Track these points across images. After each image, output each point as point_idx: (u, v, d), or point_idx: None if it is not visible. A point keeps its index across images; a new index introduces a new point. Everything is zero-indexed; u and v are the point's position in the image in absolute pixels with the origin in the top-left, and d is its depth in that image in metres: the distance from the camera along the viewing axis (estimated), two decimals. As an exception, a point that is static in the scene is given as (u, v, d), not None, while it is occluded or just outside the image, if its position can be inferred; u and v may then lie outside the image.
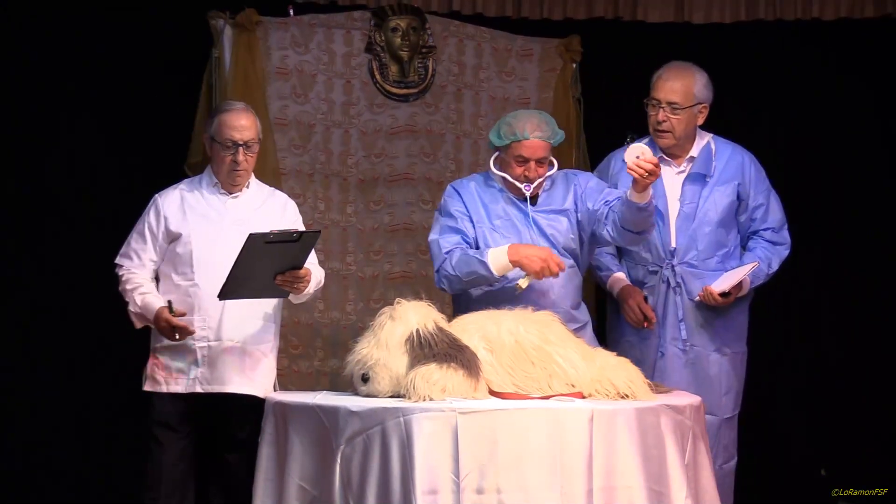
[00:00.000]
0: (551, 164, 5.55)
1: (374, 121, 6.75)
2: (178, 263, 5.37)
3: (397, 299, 4.98)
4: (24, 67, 6.40)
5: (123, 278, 5.43)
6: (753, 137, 6.03)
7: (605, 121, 6.91)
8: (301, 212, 6.58)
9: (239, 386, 5.38)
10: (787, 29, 6.98)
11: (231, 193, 5.48)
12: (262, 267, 5.23)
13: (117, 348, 6.32)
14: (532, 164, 5.47)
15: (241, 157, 5.41)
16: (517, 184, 5.49)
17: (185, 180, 5.56)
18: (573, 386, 4.88)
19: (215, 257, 5.33)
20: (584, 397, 4.85)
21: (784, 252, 5.84)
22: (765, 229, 5.83)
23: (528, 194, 5.49)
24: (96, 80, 6.46)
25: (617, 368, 4.99)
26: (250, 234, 5.13)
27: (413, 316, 4.87)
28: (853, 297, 7.01)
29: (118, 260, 5.46)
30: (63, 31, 6.43)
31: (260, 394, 5.37)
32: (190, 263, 5.36)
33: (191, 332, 5.29)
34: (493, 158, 5.58)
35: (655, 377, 5.62)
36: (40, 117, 6.41)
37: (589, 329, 5.56)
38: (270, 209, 5.56)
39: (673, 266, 5.76)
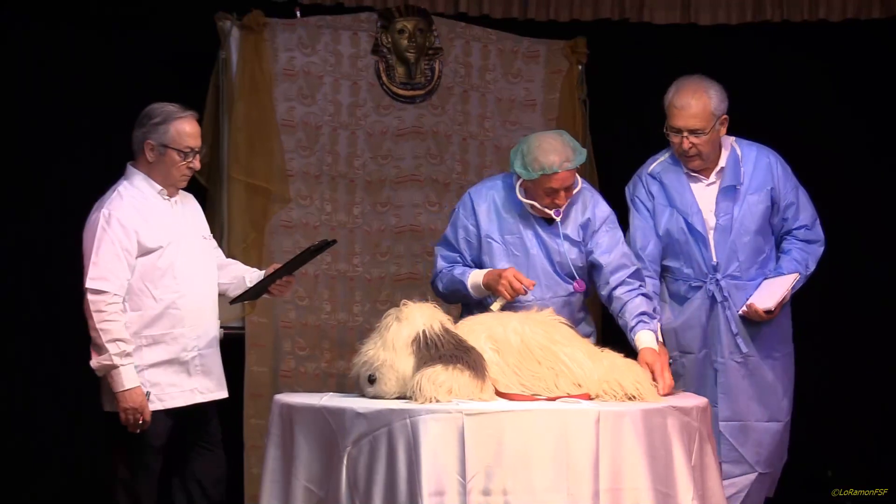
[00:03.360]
0: (577, 184, 5.44)
1: (380, 122, 6.76)
2: (158, 277, 5.18)
3: (403, 301, 4.99)
4: (30, 70, 6.40)
5: (108, 313, 5.08)
6: (759, 139, 6.02)
7: (611, 122, 6.92)
8: (308, 213, 6.63)
9: (224, 390, 5.38)
10: (793, 30, 6.98)
11: (172, 198, 5.31)
12: (278, 275, 5.29)
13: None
14: (562, 193, 5.36)
15: (197, 164, 5.28)
16: (547, 211, 5.39)
17: (120, 189, 5.26)
18: (580, 385, 4.88)
19: (190, 265, 5.25)
20: (590, 398, 4.85)
21: (819, 249, 5.77)
22: (798, 228, 5.74)
23: (558, 219, 5.41)
24: (103, 81, 6.47)
25: (625, 369, 4.99)
26: (312, 245, 5.21)
27: (419, 317, 4.86)
28: (854, 297, 7.00)
29: (95, 285, 5.09)
30: (70, 34, 6.44)
31: None
32: (174, 275, 5.20)
33: (143, 429, 5.15)
34: (518, 184, 5.41)
35: (720, 393, 5.62)
36: (46, 120, 6.42)
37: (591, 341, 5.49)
38: (195, 210, 5.46)
39: (718, 280, 5.69)
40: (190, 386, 5.24)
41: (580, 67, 6.91)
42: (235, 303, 5.31)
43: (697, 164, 5.70)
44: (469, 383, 4.73)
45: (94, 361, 5.11)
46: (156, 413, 5.18)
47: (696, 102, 5.61)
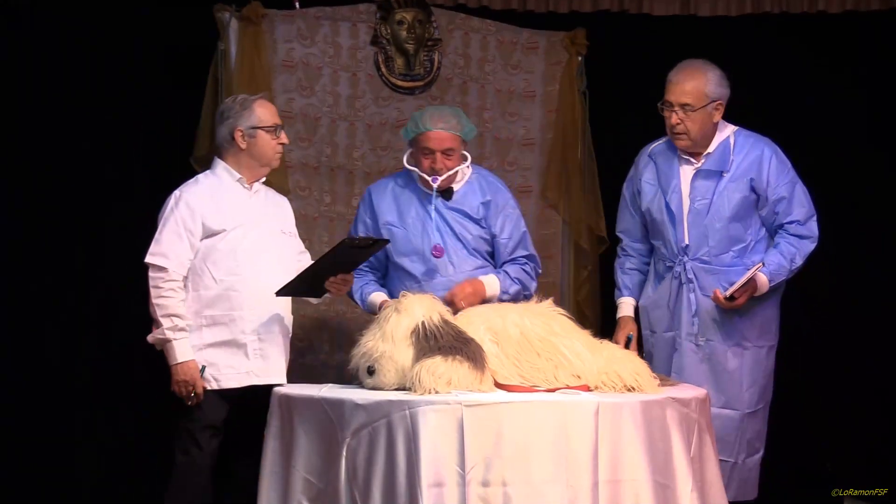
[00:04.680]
0: (465, 160, 5.63)
1: (379, 114, 6.75)
2: (220, 259, 5.34)
3: (403, 292, 4.99)
4: (29, 61, 6.39)
5: (164, 290, 5.27)
6: (757, 130, 6.01)
7: (610, 114, 6.92)
8: (307, 205, 6.61)
9: (283, 376, 5.45)
10: (792, 22, 6.98)
11: (252, 187, 5.48)
12: (327, 269, 5.33)
13: (129, 346, 6.35)
14: (438, 155, 5.58)
15: (284, 139, 5.50)
16: (425, 176, 5.58)
17: (199, 176, 5.50)
18: (579, 377, 4.89)
19: (255, 251, 5.37)
20: (590, 390, 4.85)
21: (810, 245, 5.76)
22: (789, 222, 5.75)
23: (434, 186, 5.59)
24: (102, 73, 6.46)
25: (624, 361, 5.00)
26: (346, 238, 5.32)
27: (418, 308, 4.87)
28: (856, 293, 6.99)
29: (154, 260, 5.29)
30: (68, 25, 6.43)
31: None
32: (235, 259, 5.34)
33: (198, 401, 5.30)
34: (406, 154, 5.68)
35: (673, 373, 5.62)
36: (45, 112, 6.40)
37: None
38: (279, 204, 5.64)
39: (685, 263, 5.75)
40: (246, 368, 5.35)
41: (580, 59, 6.90)
42: (280, 295, 5.38)
43: (685, 143, 5.75)
44: (468, 374, 4.73)
45: (151, 336, 5.30)
46: (210, 393, 5.31)
47: (690, 80, 5.72)
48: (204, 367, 5.29)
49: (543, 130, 6.90)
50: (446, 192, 5.69)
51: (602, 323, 6.37)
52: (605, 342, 5.13)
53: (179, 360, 5.27)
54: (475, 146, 6.83)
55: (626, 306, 5.95)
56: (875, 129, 7.04)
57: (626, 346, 5.71)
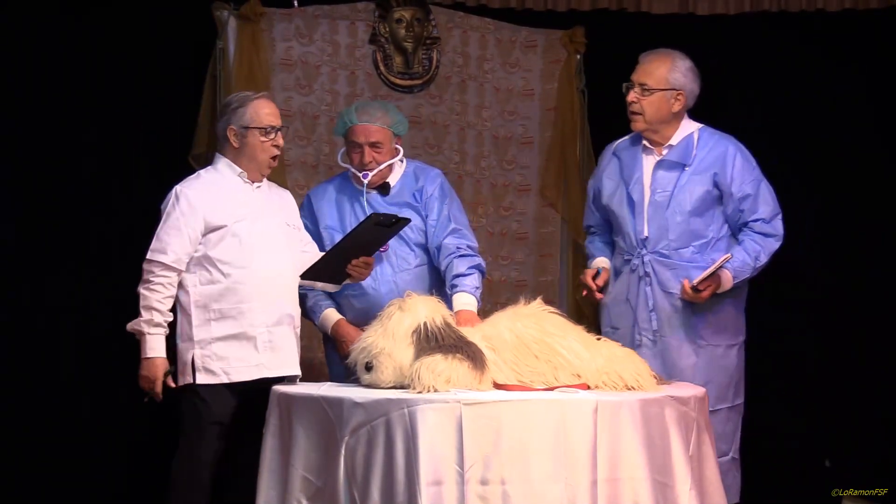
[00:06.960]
0: (397, 154, 5.63)
1: (378, 112, 6.75)
2: (227, 253, 5.30)
3: (407, 291, 5.00)
4: (27, 60, 6.39)
5: (153, 283, 5.24)
6: (755, 128, 6.02)
7: (608, 112, 6.90)
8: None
9: (296, 367, 5.43)
10: (791, 20, 6.98)
11: (254, 183, 5.44)
12: (350, 250, 5.33)
13: (134, 342, 6.35)
14: (366, 148, 5.55)
15: (280, 141, 5.43)
16: (356, 172, 5.59)
17: (201, 171, 5.46)
18: (579, 376, 4.88)
19: (261, 244, 5.34)
20: (588, 388, 4.85)
21: (775, 244, 5.68)
22: (755, 220, 5.67)
23: (365, 182, 5.58)
24: (100, 71, 6.46)
25: (624, 360, 4.99)
26: (372, 214, 5.26)
27: (422, 309, 4.87)
28: (859, 292, 7.00)
29: (152, 256, 5.26)
30: (66, 23, 6.43)
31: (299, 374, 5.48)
32: (242, 252, 5.30)
33: (157, 400, 5.29)
34: (340, 152, 5.71)
35: None
36: (44, 109, 6.40)
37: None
38: (283, 199, 5.59)
39: (643, 255, 5.70)
40: (256, 361, 5.31)
41: (578, 57, 6.91)
42: (305, 279, 5.42)
43: (640, 125, 5.72)
44: (468, 374, 4.73)
45: (129, 324, 5.27)
46: (220, 387, 5.28)
47: (655, 61, 5.70)
48: (171, 370, 5.24)
49: (542, 129, 6.91)
50: (383, 188, 5.66)
51: (601, 322, 6.37)
52: (604, 339, 5.12)
53: (148, 356, 5.23)
54: (473, 145, 6.85)
55: (597, 263, 5.88)
56: (874, 127, 7.04)
57: (595, 278, 5.73)
